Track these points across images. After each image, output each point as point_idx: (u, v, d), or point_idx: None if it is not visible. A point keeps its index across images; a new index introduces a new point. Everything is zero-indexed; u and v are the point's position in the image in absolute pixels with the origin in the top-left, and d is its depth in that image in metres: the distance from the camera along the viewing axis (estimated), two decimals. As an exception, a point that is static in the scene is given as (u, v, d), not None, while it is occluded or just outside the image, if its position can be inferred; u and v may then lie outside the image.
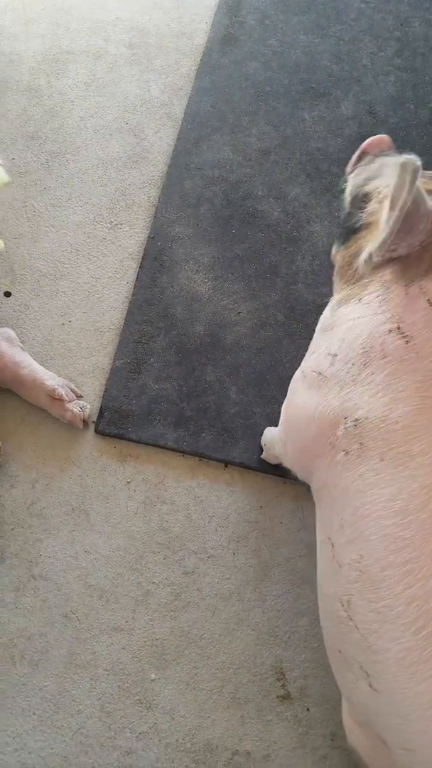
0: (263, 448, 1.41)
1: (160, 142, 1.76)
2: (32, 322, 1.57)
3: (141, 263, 1.61)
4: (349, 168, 1.08)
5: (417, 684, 0.76)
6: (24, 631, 1.29)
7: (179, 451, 1.45)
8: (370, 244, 0.91)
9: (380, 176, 0.99)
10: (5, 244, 1.64)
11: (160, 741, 1.24)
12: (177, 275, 1.60)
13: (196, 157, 1.72)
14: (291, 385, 1.06)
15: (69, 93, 1.82)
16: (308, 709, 1.27)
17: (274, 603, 1.34)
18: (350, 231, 0.99)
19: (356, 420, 0.86)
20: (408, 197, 0.80)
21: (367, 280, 0.92)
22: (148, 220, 1.67)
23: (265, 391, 1.49)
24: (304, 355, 1.05)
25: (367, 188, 0.99)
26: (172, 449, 1.45)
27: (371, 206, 0.96)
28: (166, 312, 1.56)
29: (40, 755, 1.22)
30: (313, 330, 1.05)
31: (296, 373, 1.05)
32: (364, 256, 0.93)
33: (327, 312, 1.00)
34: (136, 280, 1.60)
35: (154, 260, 1.61)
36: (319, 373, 0.94)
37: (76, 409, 1.43)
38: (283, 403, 1.09)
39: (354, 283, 0.95)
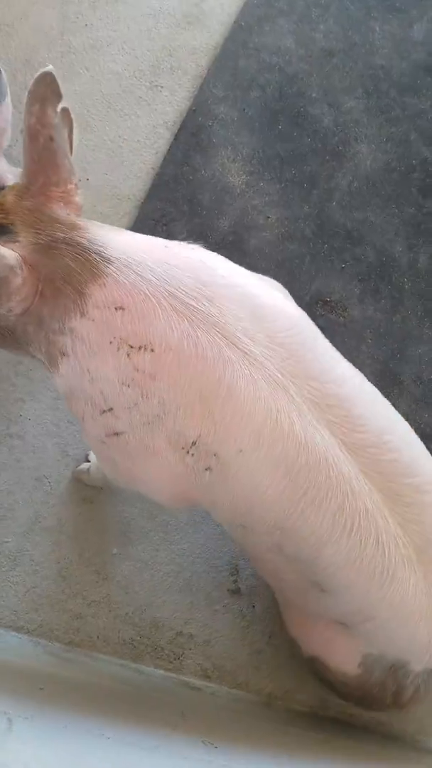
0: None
1: (221, 9, 1.60)
2: (45, 170, 1.43)
3: (176, 135, 1.49)
4: None
5: None
6: (-8, 486, 1.26)
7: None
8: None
9: None
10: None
11: (110, 611, 1.27)
12: (212, 158, 1.50)
13: (257, 37, 1.58)
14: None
15: None
16: (253, 606, 1.33)
17: (242, 506, 1.37)
18: None
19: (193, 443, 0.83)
20: None
21: (43, 342, 0.87)
22: (192, 91, 1.54)
23: (277, 302, 1.46)
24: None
25: None
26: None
27: None
28: (193, 196, 1.47)
29: (-11, 605, 1.22)
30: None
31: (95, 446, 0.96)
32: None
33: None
34: (168, 153, 1.48)
35: (192, 135, 1.50)
36: (117, 434, 0.87)
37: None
38: None
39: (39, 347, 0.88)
